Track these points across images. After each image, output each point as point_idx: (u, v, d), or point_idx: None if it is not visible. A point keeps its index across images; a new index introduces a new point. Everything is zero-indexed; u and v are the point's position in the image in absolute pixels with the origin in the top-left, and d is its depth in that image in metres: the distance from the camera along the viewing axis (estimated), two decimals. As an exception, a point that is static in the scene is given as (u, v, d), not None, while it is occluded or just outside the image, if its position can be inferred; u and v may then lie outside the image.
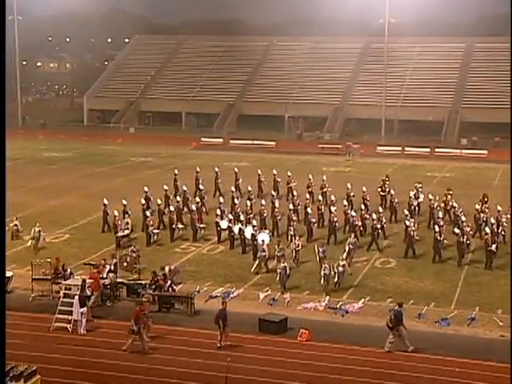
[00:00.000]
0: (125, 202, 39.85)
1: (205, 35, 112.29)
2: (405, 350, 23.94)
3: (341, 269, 29.82)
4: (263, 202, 40.86)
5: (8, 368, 18.84)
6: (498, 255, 33.80)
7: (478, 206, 39.32)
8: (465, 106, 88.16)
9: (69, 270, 29.51)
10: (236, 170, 49.98)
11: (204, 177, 47.97)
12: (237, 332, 24.67)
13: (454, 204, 40.54)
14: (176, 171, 48.97)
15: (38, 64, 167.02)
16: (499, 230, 36.12)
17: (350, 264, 32.08)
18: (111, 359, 23.44)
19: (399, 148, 74.06)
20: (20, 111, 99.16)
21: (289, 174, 47.91)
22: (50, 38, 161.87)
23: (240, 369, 22.37)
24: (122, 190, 47.91)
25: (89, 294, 27.31)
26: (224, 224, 36.87)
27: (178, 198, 42.46)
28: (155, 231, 37.50)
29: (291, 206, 39.36)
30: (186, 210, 41.18)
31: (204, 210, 41.42)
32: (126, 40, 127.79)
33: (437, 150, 73.97)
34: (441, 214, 38.31)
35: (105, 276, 29.04)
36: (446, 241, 34.60)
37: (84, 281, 27.19)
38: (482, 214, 38.23)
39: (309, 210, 38.35)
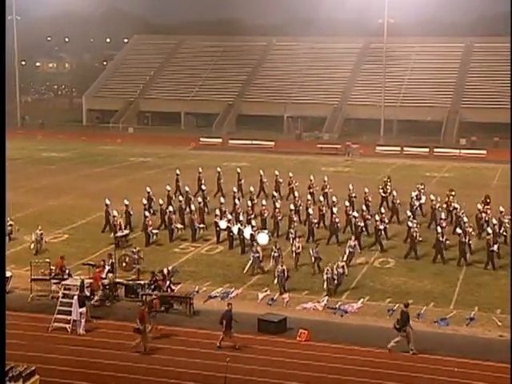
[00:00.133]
0: (127, 202, 39.84)
1: (204, 35, 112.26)
2: (405, 351, 23.93)
3: (340, 270, 29.75)
4: (264, 202, 40.87)
5: (7, 368, 18.85)
6: (499, 255, 33.77)
7: (480, 207, 39.26)
8: (464, 106, 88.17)
9: (67, 271, 29.52)
10: (238, 170, 49.99)
11: (204, 177, 47.96)
12: (236, 332, 24.62)
13: (456, 205, 40.49)
14: (178, 171, 48.97)
15: (37, 64, 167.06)
16: (501, 231, 36.10)
17: (348, 266, 32.04)
18: (110, 359, 23.43)
19: (398, 148, 74.04)
20: (19, 111, 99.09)
21: (290, 174, 47.89)
22: (48, 38, 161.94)
23: (239, 369, 22.37)
24: (121, 190, 47.94)
25: (88, 294, 27.32)
26: (223, 224, 36.85)
27: (181, 198, 42.45)
28: (154, 231, 37.48)
29: (292, 207, 39.35)
30: (188, 210, 41.09)
31: (206, 210, 41.29)
32: (125, 40, 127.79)
33: (436, 150, 73.97)
34: (443, 215, 38.23)
35: (104, 276, 29.04)
36: (448, 241, 34.59)
37: (83, 281, 27.19)
38: (483, 215, 38.20)
39: (310, 211, 38.31)
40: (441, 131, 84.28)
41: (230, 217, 37.36)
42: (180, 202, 41.41)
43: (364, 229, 37.30)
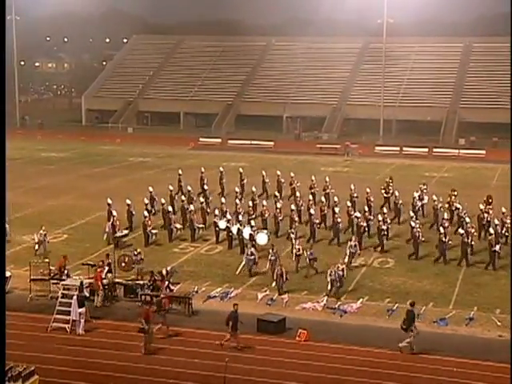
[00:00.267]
0: (129, 201, 39.83)
1: (203, 35, 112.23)
2: (405, 350, 23.94)
3: (340, 272, 29.64)
4: (264, 202, 40.86)
5: (6, 368, 18.84)
6: (500, 256, 33.78)
7: (482, 207, 39.25)
8: (463, 106, 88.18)
9: (65, 271, 29.50)
10: (241, 170, 49.94)
11: (206, 177, 47.97)
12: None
13: (458, 205, 40.46)
14: (180, 171, 48.95)
15: (36, 64, 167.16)
16: (503, 231, 36.09)
17: (349, 266, 32.02)
18: (109, 359, 23.43)
19: (397, 148, 74.02)
20: (18, 111, 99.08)
21: (292, 174, 47.85)
22: (48, 38, 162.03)
23: (238, 369, 22.37)
24: (121, 190, 47.95)
25: (87, 294, 27.31)
26: (222, 224, 36.83)
27: (183, 198, 42.43)
28: (153, 231, 37.46)
29: (293, 207, 39.31)
30: (193, 209, 40.94)
31: (208, 210, 41.18)
32: (124, 40, 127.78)
33: (435, 150, 73.97)
34: (446, 215, 38.16)
35: (103, 276, 29.03)
36: (450, 242, 34.58)
37: (82, 282, 27.18)
38: (485, 215, 38.19)
39: (312, 211, 38.26)
40: (440, 131, 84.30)
41: (229, 217, 37.34)
42: (182, 201, 41.38)
43: (366, 229, 37.24)
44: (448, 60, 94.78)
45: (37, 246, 34.97)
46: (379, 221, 36.11)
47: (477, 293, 30.21)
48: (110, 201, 39.50)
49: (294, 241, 34.09)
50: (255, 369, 22.78)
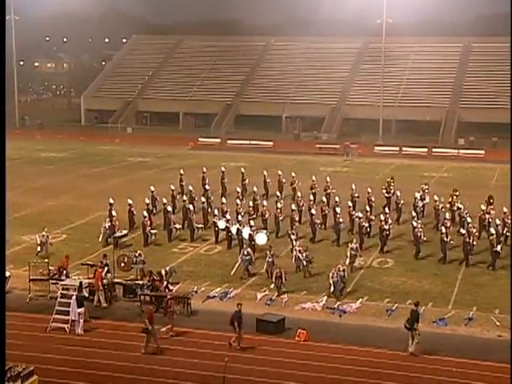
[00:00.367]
0: (130, 201, 39.80)
1: (202, 35, 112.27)
2: (404, 350, 23.95)
3: (342, 273, 29.57)
4: (265, 202, 40.83)
5: (5, 368, 18.82)
6: (500, 256, 33.76)
7: (483, 207, 39.22)
8: (462, 106, 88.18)
9: (64, 272, 29.48)
10: (242, 170, 49.90)
11: (201, 177, 47.94)
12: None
13: (460, 205, 40.46)
14: (182, 171, 48.91)
15: (36, 64, 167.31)
16: (504, 231, 36.08)
17: (351, 269, 31.96)
18: (108, 359, 23.42)
19: (397, 148, 74.02)
20: (17, 111, 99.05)
21: (293, 174, 47.81)
22: (47, 38, 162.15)
23: (237, 369, 22.37)
24: (120, 191, 47.92)
25: (86, 294, 27.30)
26: (222, 224, 36.80)
27: (185, 198, 42.41)
28: (153, 231, 37.45)
29: (294, 207, 39.26)
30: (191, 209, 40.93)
31: (210, 210, 41.10)
32: (124, 40, 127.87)
33: (434, 150, 73.97)
34: (448, 216, 38.09)
35: (103, 276, 29.02)
36: (452, 242, 34.55)
37: (81, 282, 27.17)
38: (487, 216, 38.18)
39: (313, 211, 38.23)
40: (439, 131, 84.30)
41: (228, 217, 37.32)
42: (184, 201, 41.35)
43: (368, 229, 37.20)
44: (447, 60, 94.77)
45: (39, 248, 34.85)
46: (381, 221, 36.07)
47: (476, 293, 30.22)
48: (111, 201, 39.46)
49: (294, 242, 34.03)
50: (254, 369, 22.77)
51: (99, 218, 40.41)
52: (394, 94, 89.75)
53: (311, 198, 41.75)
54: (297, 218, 38.18)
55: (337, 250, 35.54)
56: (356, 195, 42.72)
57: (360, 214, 37.57)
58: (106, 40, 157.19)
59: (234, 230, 35.95)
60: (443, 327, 26.36)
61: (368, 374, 22.45)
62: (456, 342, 25.13)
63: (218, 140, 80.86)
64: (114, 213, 38.03)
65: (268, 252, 31.79)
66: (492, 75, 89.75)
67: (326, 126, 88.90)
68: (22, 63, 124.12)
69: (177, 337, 25.20)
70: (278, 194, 44.19)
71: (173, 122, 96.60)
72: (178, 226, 38.39)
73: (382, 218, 36.31)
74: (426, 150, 73.51)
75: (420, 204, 41.74)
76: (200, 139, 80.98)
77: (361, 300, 28.94)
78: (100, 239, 36.74)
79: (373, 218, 37.93)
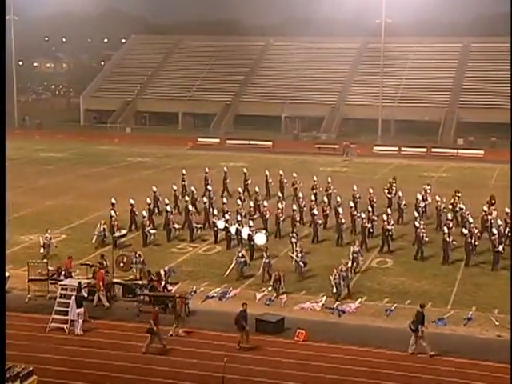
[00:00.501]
0: (132, 201, 39.77)
1: (201, 35, 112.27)
2: (404, 350, 23.95)
3: (344, 274, 29.44)
4: (265, 203, 40.81)
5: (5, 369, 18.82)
6: (502, 256, 33.77)
7: (485, 209, 39.20)
8: (461, 106, 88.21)
9: (63, 272, 29.46)
10: (245, 170, 49.81)
11: (202, 177, 47.89)
12: (233, 332, 24.62)
13: (462, 206, 40.43)
14: (184, 171, 48.86)
15: (35, 64, 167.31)
16: (506, 231, 36.06)
17: (354, 272, 31.90)
18: (108, 359, 23.41)
19: (396, 148, 74.03)
20: (16, 111, 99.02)
21: (294, 174, 47.76)
22: (46, 38, 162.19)
23: (237, 369, 22.35)
24: (119, 191, 47.91)
25: (85, 294, 27.28)
26: (221, 224, 36.78)
27: (187, 198, 42.38)
28: (152, 231, 37.44)
29: (294, 207, 39.22)
30: (193, 210, 40.88)
31: (211, 210, 41.00)
32: (123, 40, 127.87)
33: (433, 150, 73.98)
34: (450, 216, 38.09)
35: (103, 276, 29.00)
36: (455, 242, 34.53)
37: (80, 282, 27.16)
38: (489, 216, 38.16)
39: (315, 212, 38.18)
40: (438, 131, 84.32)
41: (228, 217, 37.29)
42: (186, 202, 41.30)
43: (371, 230, 37.11)
44: (446, 60, 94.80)
45: (42, 250, 34.72)
46: (384, 221, 36.01)
47: (475, 293, 30.22)
48: (113, 201, 39.42)
49: (294, 244, 33.94)
50: (254, 369, 22.76)
51: (98, 218, 40.34)
52: (392, 94, 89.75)
53: (312, 198, 41.67)
54: (298, 219, 38.11)
55: (338, 251, 35.51)
56: (357, 195, 42.64)
57: (363, 215, 37.50)
58: (105, 40, 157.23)
59: (233, 230, 35.94)
60: (442, 327, 26.35)
61: (367, 374, 22.44)
62: (455, 341, 25.12)
63: (217, 140, 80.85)
64: (113, 213, 37.97)
65: (264, 253, 31.69)
66: (491, 75, 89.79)
67: (325, 126, 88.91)
68: (21, 63, 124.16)
69: (176, 337, 25.20)
70: (280, 194, 44.14)
71: (172, 122, 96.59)
72: (177, 226, 38.38)
73: (385, 218, 36.26)
74: (425, 150, 73.52)
75: (422, 204, 41.67)
76: (199, 139, 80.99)
77: (360, 300, 28.93)
78: (94, 241, 36.56)
79: (375, 218, 37.89)
